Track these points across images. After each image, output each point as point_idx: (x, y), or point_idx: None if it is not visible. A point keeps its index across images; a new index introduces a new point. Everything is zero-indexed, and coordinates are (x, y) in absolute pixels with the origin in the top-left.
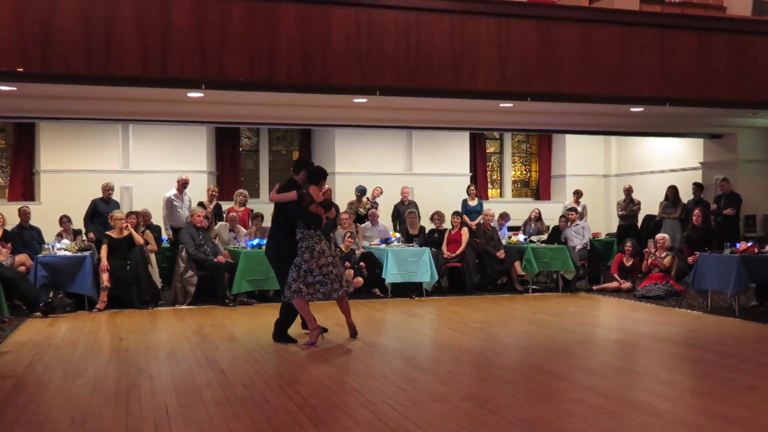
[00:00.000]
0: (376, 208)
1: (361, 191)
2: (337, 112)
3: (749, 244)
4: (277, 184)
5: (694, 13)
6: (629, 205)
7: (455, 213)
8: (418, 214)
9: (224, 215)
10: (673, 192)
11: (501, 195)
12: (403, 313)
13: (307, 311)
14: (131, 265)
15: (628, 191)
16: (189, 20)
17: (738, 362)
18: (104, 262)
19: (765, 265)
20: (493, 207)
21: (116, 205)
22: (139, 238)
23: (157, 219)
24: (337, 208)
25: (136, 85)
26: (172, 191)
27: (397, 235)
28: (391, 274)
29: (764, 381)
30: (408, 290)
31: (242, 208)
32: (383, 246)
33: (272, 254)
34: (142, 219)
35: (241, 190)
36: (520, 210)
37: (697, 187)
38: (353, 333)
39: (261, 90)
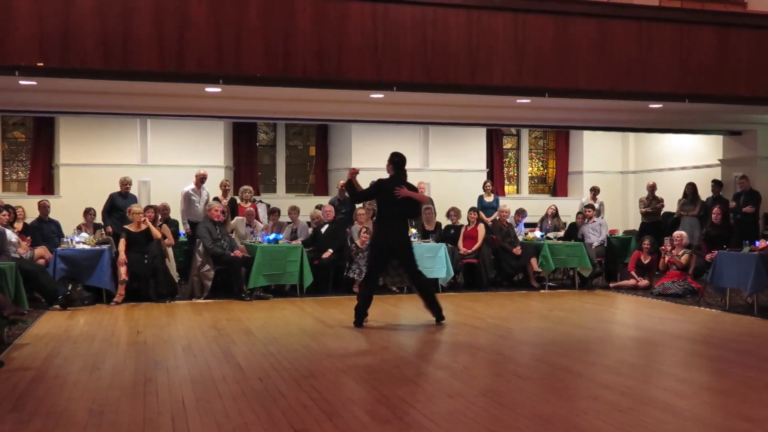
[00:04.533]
0: None
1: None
2: (353, 108)
3: None
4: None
5: (714, 9)
6: (652, 201)
7: (471, 209)
8: (435, 210)
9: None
10: (691, 189)
11: (518, 191)
12: (418, 309)
13: None
14: (149, 259)
15: (652, 188)
16: (206, 15)
17: (757, 360)
18: (122, 256)
19: None
20: (509, 203)
21: (134, 200)
22: (156, 232)
23: (175, 213)
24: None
25: (154, 80)
26: (191, 186)
27: (414, 231)
28: None
29: None
30: None
31: (247, 204)
32: None
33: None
34: (160, 213)
35: (246, 186)
36: (536, 206)
37: (716, 185)
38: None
39: (278, 85)
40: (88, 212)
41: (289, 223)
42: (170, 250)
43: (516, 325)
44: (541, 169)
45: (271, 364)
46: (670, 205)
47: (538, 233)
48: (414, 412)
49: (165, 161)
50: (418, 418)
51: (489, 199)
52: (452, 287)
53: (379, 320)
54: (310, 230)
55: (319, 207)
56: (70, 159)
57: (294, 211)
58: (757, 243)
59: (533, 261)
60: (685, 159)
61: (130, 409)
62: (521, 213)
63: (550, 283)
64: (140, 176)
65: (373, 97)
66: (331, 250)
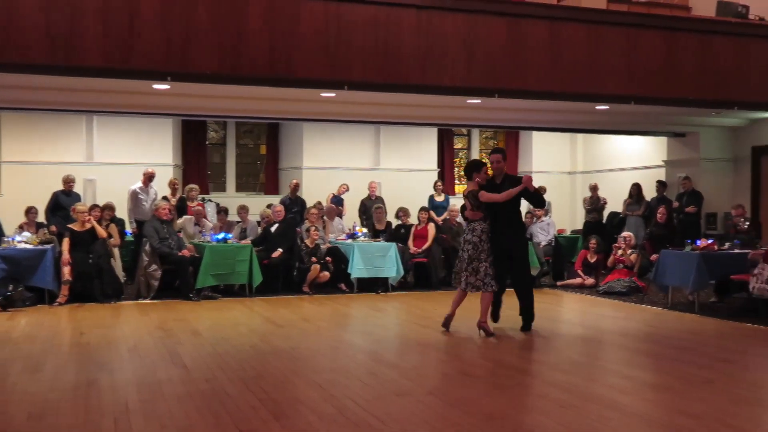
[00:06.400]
0: (342, 205)
1: (336, 202)
2: (304, 106)
3: (709, 241)
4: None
5: (660, 13)
6: (595, 201)
7: (422, 208)
8: (385, 209)
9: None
10: (636, 189)
11: None
12: (368, 308)
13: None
14: (93, 259)
15: (594, 188)
16: (154, 11)
17: (696, 357)
18: (65, 255)
19: (724, 263)
20: (460, 203)
21: (78, 198)
22: (102, 232)
23: (121, 212)
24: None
25: (100, 76)
26: (138, 184)
27: (364, 230)
28: (357, 269)
29: (721, 375)
30: (374, 285)
31: (194, 203)
32: (350, 241)
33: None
34: (106, 212)
35: (191, 185)
36: None
37: (661, 185)
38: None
39: (228, 83)
40: (30, 211)
41: (238, 222)
42: (116, 250)
43: (464, 323)
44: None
45: (219, 364)
46: (616, 205)
47: None
48: (362, 412)
49: (111, 159)
50: (366, 417)
51: (440, 198)
52: (402, 286)
53: (330, 320)
54: (260, 229)
55: (269, 206)
56: (12, 156)
57: (243, 210)
58: (699, 242)
59: None
60: (630, 160)
61: (72, 412)
62: (462, 211)
63: None
64: (86, 174)
65: (324, 95)
66: (281, 250)
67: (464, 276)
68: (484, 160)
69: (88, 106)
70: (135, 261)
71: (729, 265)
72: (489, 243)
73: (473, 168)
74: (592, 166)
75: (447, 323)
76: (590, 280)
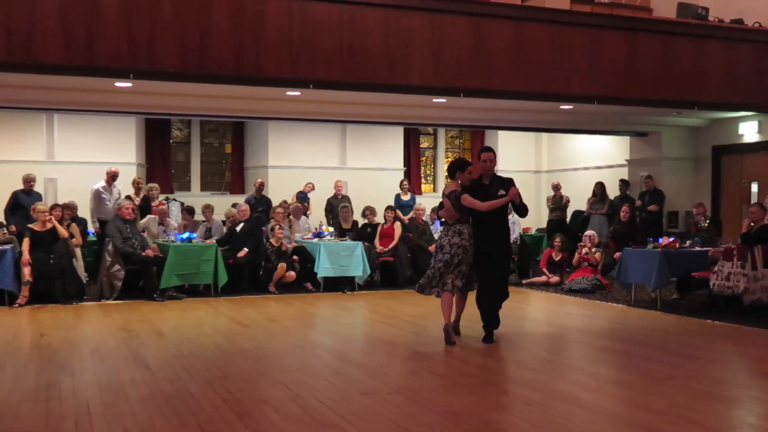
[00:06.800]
0: (307, 201)
1: (301, 199)
2: (270, 105)
3: (671, 239)
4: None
5: (622, 14)
6: (558, 200)
7: (388, 207)
8: (351, 208)
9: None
10: (600, 188)
11: (434, 190)
12: (335, 308)
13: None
14: (55, 259)
15: (557, 187)
16: (117, 7)
17: (658, 353)
18: (26, 256)
19: (686, 260)
20: (426, 202)
21: (38, 197)
22: (63, 231)
23: (84, 211)
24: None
25: (61, 73)
26: (101, 183)
27: (330, 229)
28: (324, 269)
29: (682, 371)
30: (340, 284)
31: (155, 202)
32: (316, 240)
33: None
34: (68, 212)
35: (152, 184)
36: None
37: (623, 184)
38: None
39: (192, 81)
40: None
41: (203, 221)
42: (78, 250)
43: (431, 322)
44: None
45: (183, 365)
46: (580, 204)
47: None
48: (327, 411)
49: (73, 158)
50: (331, 416)
51: (406, 197)
52: (369, 285)
53: (296, 320)
54: (225, 229)
55: (234, 205)
56: None
57: (208, 209)
58: (661, 240)
59: None
60: (594, 159)
61: (32, 415)
62: (436, 211)
63: None
64: (46, 173)
65: (289, 94)
66: (246, 249)
67: (450, 279)
68: (469, 159)
69: (49, 104)
70: (98, 261)
71: (690, 263)
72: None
73: (458, 167)
74: (557, 165)
75: (454, 331)
76: (555, 278)
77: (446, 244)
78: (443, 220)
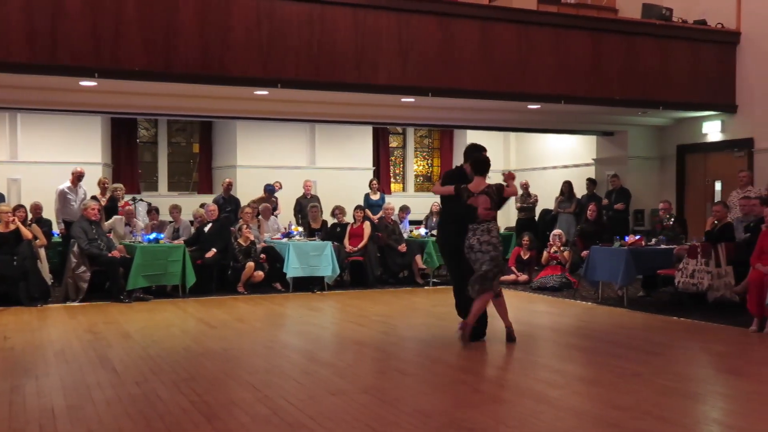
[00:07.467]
0: (273, 194)
1: (269, 191)
2: (238, 104)
3: (637, 237)
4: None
5: (588, 14)
6: (527, 199)
7: (357, 207)
8: (321, 208)
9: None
10: (568, 187)
11: (404, 189)
12: (304, 308)
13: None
14: (18, 261)
15: (525, 186)
16: (80, 5)
17: (625, 350)
18: None
19: (651, 258)
20: (395, 201)
21: (1, 198)
22: (27, 233)
23: (48, 212)
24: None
25: (24, 72)
26: (66, 184)
27: (299, 229)
28: (293, 269)
29: (649, 368)
30: (310, 284)
31: (120, 203)
32: (285, 240)
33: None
34: (32, 212)
35: (117, 184)
36: (422, 204)
37: (590, 183)
38: (510, 336)
39: (159, 80)
40: None
41: (170, 222)
42: (42, 251)
43: (401, 321)
44: (427, 167)
45: (150, 367)
46: (548, 203)
47: (422, 230)
48: (296, 412)
49: (37, 158)
50: (299, 417)
51: (375, 197)
52: (338, 285)
53: (265, 320)
54: (193, 229)
55: (202, 205)
56: None
57: (176, 209)
58: (627, 238)
59: (418, 258)
60: (561, 158)
61: None
62: (405, 210)
63: (435, 280)
64: (10, 174)
65: (257, 93)
66: (214, 250)
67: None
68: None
69: (12, 102)
70: (63, 263)
71: (656, 261)
72: None
73: (488, 166)
74: (525, 164)
75: (510, 336)
76: (524, 277)
77: (476, 243)
78: (478, 220)
